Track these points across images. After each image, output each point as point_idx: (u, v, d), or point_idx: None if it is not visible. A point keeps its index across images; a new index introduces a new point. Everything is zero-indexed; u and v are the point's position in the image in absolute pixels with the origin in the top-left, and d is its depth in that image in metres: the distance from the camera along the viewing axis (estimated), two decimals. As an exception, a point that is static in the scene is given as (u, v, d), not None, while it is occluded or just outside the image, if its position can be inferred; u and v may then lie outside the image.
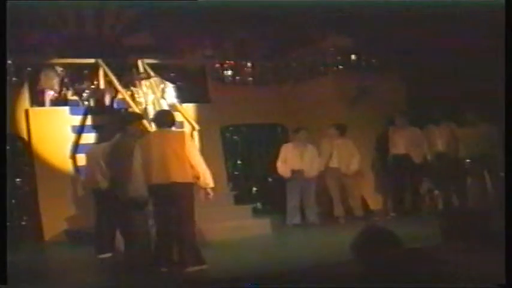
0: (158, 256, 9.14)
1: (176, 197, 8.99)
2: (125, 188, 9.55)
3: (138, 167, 9.15)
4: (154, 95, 14.72)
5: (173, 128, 9.61)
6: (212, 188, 9.35)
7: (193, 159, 9.14)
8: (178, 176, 8.99)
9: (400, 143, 14.59)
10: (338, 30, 16.89)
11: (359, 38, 16.72)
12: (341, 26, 16.68)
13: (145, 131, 11.20)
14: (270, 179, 15.98)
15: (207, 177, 9.24)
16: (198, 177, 9.16)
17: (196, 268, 8.88)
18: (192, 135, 9.55)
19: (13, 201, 14.20)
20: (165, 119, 9.60)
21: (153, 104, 14.64)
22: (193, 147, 9.34)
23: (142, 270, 9.17)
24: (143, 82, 15.00)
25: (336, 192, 14.54)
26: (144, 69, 15.39)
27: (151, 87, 15.02)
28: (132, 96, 14.51)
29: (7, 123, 7.66)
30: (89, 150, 12.33)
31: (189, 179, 9.08)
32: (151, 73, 15.10)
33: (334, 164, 14.45)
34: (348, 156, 14.43)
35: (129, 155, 9.45)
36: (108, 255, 11.03)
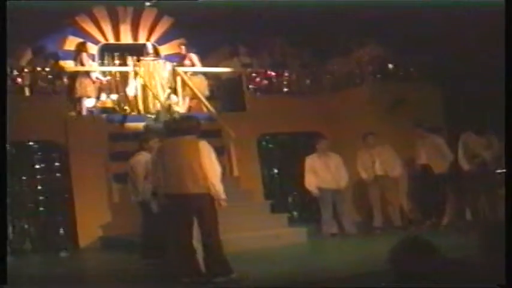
0: (184, 266, 9.01)
1: (195, 208, 8.88)
2: (156, 197, 9.60)
3: (160, 175, 9.11)
4: (157, 78, 15.60)
5: (190, 136, 9.17)
6: (224, 199, 9.02)
7: (205, 170, 8.87)
8: (193, 187, 8.83)
9: (423, 153, 14.47)
10: (375, 40, 16.83)
11: (396, 47, 16.65)
12: (378, 35, 16.63)
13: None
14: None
15: (217, 189, 8.92)
16: (208, 188, 8.90)
17: (225, 278, 8.78)
18: (208, 144, 9.18)
19: (48, 208, 14.34)
20: (179, 126, 9.41)
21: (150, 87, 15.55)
22: (206, 156, 8.94)
23: (171, 280, 9.12)
24: (150, 63, 15.70)
25: (377, 201, 14.46)
26: (154, 51, 16.39)
27: (155, 69, 15.62)
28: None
29: (7, 122, 7.62)
30: (132, 159, 12.21)
31: (204, 190, 8.87)
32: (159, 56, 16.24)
33: (380, 171, 14.39)
34: (390, 162, 14.37)
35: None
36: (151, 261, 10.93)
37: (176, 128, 9.48)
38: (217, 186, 8.94)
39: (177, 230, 9.05)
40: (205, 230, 8.92)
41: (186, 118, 10.48)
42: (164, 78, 15.80)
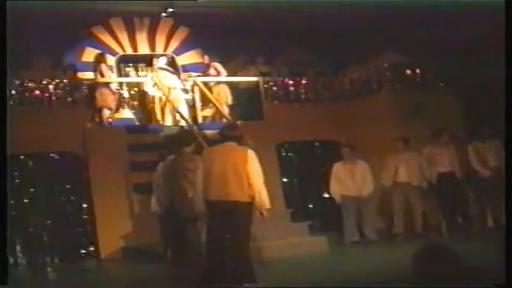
0: (210, 272, 9.01)
1: (233, 215, 8.74)
2: (185, 204, 9.58)
3: (200, 181, 9.07)
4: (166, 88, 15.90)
5: (232, 143, 9.04)
6: (268, 209, 8.96)
7: (252, 178, 8.80)
8: (237, 194, 8.73)
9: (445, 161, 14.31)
10: (392, 46, 16.79)
11: (413, 54, 16.61)
12: (395, 42, 16.60)
13: (202, 148, 11.04)
14: (326, 196, 15.83)
15: (262, 198, 8.84)
16: (253, 197, 8.82)
17: (248, 286, 8.74)
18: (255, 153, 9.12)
19: (70, 218, 14.38)
20: (229, 133, 9.20)
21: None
22: (255, 166, 8.85)
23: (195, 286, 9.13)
24: (162, 73, 16.12)
25: (399, 208, 14.36)
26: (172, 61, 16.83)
27: (172, 79, 16.21)
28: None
29: (7, 122, 7.64)
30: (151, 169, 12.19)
31: (247, 198, 8.79)
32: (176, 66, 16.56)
33: (402, 178, 14.28)
34: (416, 169, 14.27)
35: (188, 172, 9.47)
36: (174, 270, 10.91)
37: (221, 135, 9.33)
38: (263, 195, 8.87)
39: (210, 236, 8.99)
40: (237, 238, 8.88)
41: (233, 125, 10.48)
42: (180, 88, 15.97)
